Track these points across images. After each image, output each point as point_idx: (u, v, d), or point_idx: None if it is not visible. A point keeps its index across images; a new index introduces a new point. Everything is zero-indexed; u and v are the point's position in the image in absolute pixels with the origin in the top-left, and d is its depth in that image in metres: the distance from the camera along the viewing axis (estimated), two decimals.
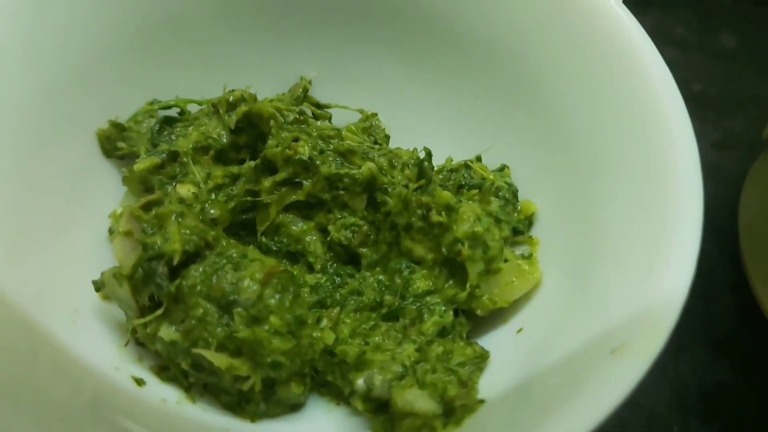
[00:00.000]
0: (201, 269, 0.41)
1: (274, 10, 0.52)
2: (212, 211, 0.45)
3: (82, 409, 0.38)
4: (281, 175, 0.47)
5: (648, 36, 0.42)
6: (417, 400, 0.40)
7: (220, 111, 0.47)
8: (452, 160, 0.51)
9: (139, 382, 0.42)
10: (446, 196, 0.44)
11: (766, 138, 0.55)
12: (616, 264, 0.38)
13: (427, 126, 0.53)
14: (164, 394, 0.42)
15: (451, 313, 0.45)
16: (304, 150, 0.46)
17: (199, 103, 0.51)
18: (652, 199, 0.38)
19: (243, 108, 0.46)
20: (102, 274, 0.42)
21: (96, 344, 0.43)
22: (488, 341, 0.45)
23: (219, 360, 0.39)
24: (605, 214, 0.42)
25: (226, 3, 0.51)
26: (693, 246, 0.35)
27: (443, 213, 0.44)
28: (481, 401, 0.40)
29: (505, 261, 0.45)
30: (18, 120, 0.44)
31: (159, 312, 0.40)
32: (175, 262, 0.40)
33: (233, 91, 0.48)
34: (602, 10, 0.43)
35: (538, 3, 0.45)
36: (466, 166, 0.50)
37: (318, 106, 0.54)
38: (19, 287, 0.41)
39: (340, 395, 0.44)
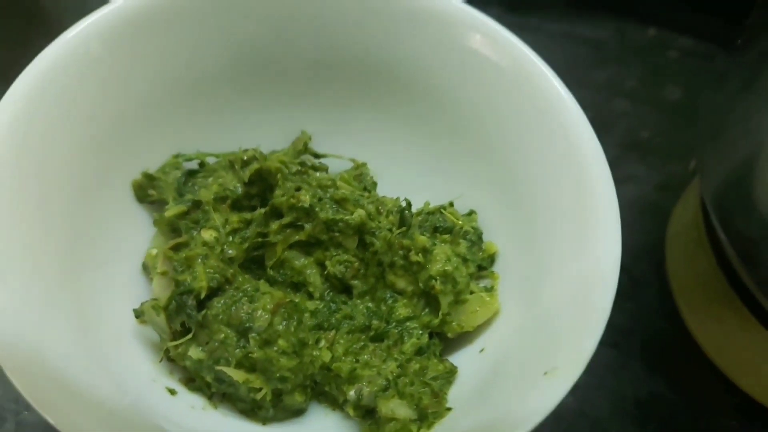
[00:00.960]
0: (222, 301, 0.50)
1: (277, 76, 0.61)
2: (230, 251, 0.53)
3: (127, 409, 0.45)
4: (286, 220, 0.54)
5: (576, 103, 0.51)
6: (397, 408, 0.48)
7: (236, 167, 0.56)
8: (429, 204, 0.59)
9: (172, 391, 0.50)
10: (423, 240, 0.53)
11: (692, 169, 0.64)
12: (555, 300, 0.48)
13: (408, 175, 0.61)
14: (192, 402, 0.51)
15: (427, 335, 0.53)
16: (306, 199, 0.54)
17: (216, 156, 0.61)
18: (581, 249, 0.47)
19: (255, 165, 0.55)
20: (142, 304, 0.51)
21: (135, 360, 0.51)
22: (457, 358, 0.54)
23: (237, 375, 0.48)
24: (548, 253, 0.50)
25: (236, 72, 0.59)
26: (611, 284, 0.44)
27: (420, 254, 0.53)
28: (449, 409, 0.49)
29: (471, 293, 0.54)
30: (67, 171, 0.51)
31: (189, 337, 0.50)
32: (202, 296, 0.50)
33: (246, 150, 0.57)
34: (546, 87, 0.52)
35: (500, 88, 0.55)
36: (440, 211, 0.59)
37: (316, 155, 0.63)
38: (70, 308, 0.48)
39: (335, 403, 0.52)
